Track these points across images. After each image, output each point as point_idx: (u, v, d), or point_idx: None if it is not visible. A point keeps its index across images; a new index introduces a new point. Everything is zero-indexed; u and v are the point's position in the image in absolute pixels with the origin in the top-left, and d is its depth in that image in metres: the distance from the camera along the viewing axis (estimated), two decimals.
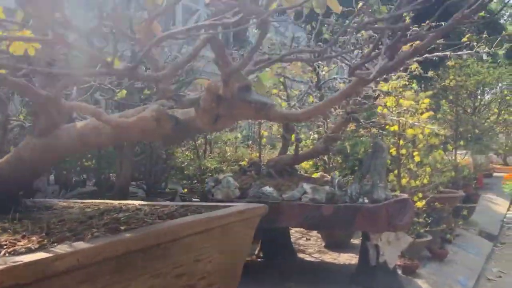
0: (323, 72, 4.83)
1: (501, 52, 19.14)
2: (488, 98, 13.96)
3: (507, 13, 51.22)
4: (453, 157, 7.61)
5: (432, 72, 4.45)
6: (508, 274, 5.26)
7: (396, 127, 4.97)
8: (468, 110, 13.91)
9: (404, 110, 4.81)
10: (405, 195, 4.30)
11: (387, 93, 5.29)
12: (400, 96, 5.06)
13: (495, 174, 14.12)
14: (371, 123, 4.42)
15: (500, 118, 11.58)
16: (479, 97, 13.13)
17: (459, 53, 4.17)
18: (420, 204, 4.78)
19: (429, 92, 5.57)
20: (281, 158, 4.68)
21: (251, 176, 4.54)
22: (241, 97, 1.50)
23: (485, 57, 16.30)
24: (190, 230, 1.56)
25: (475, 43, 3.98)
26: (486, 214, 8.07)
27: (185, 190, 6.34)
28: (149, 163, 6.63)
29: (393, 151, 5.17)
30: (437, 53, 4.22)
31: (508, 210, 9.11)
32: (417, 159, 5.04)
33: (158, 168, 6.61)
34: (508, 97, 11.78)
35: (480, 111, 13.41)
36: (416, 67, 4.29)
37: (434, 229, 5.36)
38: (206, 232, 1.61)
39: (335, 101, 1.65)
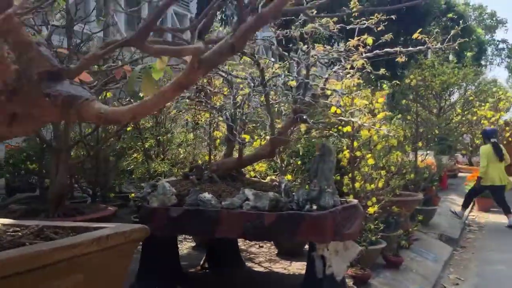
0: (274, 70, 4.53)
1: (469, 54, 19.30)
2: (454, 99, 14.01)
3: (474, 15, 52.28)
4: (414, 159, 7.43)
5: (384, 70, 4.16)
6: (465, 281, 5.08)
7: (349, 128, 4.71)
8: (434, 111, 13.94)
9: (357, 110, 4.55)
10: (355, 201, 4.04)
11: (340, 92, 5.04)
12: (354, 95, 4.81)
13: (460, 174, 14.19)
14: (320, 124, 4.13)
15: (464, 118, 11.55)
16: (444, 97, 13.14)
17: (409, 49, 3.92)
18: (372, 209, 4.53)
19: (385, 92, 5.34)
20: (224, 162, 4.35)
21: (192, 181, 4.19)
22: (39, 88, 1.11)
23: (451, 57, 16.41)
24: (11, 269, 1.16)
25: (426, 39, 3.74)
26: (448, 217, 7.95)
27: (132, 195, 5.94)
28: (94, 167, 6.21)
29: (346, 153, 4.91)
30: (388, 49, 3.97)
31: (470, 211, 9.02)
32: (370, 161, 4.78)
33: (105, 172, 6.19)
34: (471, 97, 11.78)
35: (445, 111, 13.43)
36: (363, 64, 4.02)
37: (390, 235, 5.13)
38: (43, 270, 1.23)
39: (167, 94, 1.30)
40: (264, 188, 4.14)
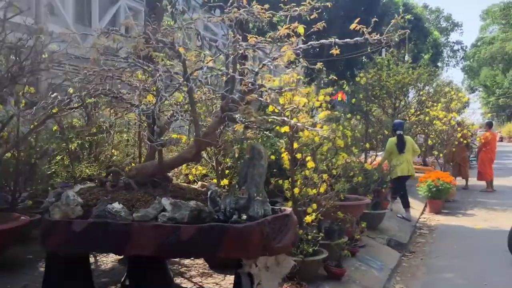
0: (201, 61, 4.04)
1: (426, 56, 19.52)
2: (409, 99, 13.97)
3: (431, 17, 53.19)
4: (364, 160, 7.14)
5: (321, 64, 3.77)
6: None
7: (286, 128, 4.31)
8: (389, 111, 13.86)
9: (295, 108, 4.15)
10: (288, 210, 3.63)
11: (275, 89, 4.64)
12: (294, 93, 4.42)
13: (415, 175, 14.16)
14: (253, 124, 3.69)
15: (416, 118, 11.46)
16: (399, 98, 13.06)
17: (346, 40, 3.54)
18: (309, 218, 4.14)
19: (329, 89, 4.97)
20: (144, 166, 3.84)
21: (106, 188, 3.66)
22: None
23: (407, 58, 16.40)
24: None
25: (364, 29, 3.36)
26: (398, 220, 7.72)
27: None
28: (14, 170, 5.54)
29: (284, 155, 4.51)
30: (323, 40, 3.57)
31: (421, 214, 8.86)
32: (310, 164, 4.40)
33: (28, 175, 5.52)
34: (424, 98, 11.72)
35: (400, 111, 13.36)
36: (296, 58, 3.62)
37: (333, 243, 4.77)
38: None
39: None
40: (189, 196, 3.67)
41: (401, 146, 7.83)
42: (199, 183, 4.39)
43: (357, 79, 9.01)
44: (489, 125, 12.66)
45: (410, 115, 12.72)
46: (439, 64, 43.28)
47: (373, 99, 13.09)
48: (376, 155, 8.62)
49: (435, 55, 36.64)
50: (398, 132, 8.04)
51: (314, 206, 4.38)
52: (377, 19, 3.39)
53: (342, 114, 11.11)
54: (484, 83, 56.76)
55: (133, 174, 3.79)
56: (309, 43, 3.47)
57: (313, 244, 4.18)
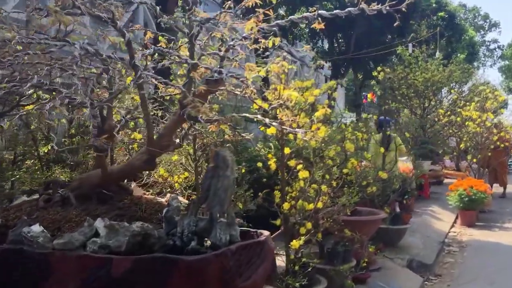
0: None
1: (461, 56, 18.27)
2: (439, 98, 12.84)
3: (468, 16, 51.32)
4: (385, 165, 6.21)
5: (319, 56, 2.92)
6: None
7: (273, 130, 3.49)
8: (418, 111, 12.75)
9: (282, 104, 3.32)
10: (264, 235, 2.81)
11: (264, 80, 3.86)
12: (284, 86, 3.61)
13: (446, 180, 12.99)
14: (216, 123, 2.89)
15: (447, 119, 10.36)
16: (428, 97, 11.98)
17: (335, 11, 2.67)
18: (296, 244, 3.30)
19: (332, 82, 4.12)
20: (89, 176, 3.11)
21: (37, 204, 2.94)
22: None
23: (437, 54, 15.23)
24: None
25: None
26: (423, 234, 6.73)
27: None
28: None
29: (272, 163, 3.69)
30: (306, 14, 2.72)
31: (451, 227, 7.83)
32: (302, 174, 3.56)
33: None
34: (455, 96, 10.61)
35: (430, 112, 12.26)
36: (273, 43, 2.80)
37: (334, 269, 3.91)
38: None
39: None
40: (141, 215, 2.91)
41: (385, 144, 6.78)
42: (168, 195, 3.63)
43: (374, 73, 8.03)
44: None
45: (440, 116, 11.61)
46: (475, 63, 41.29)
47: (400, 99, 12.05)
48: (396, 160, 7.65)
49: (470, 55, 34.83)
50: (384, 129, 7.16)
51: (309, 225, 3.53)
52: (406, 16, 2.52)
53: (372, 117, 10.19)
54: None
55: (76, 185, 3.06)
56: (275, 22, 2.62)
57: (303, 275, 3.33)
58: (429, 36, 18.97)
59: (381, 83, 8.31)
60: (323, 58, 18.83)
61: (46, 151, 5.11)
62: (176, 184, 4.61)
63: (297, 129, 2.69)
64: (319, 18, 2.48)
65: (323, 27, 2.48)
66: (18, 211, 2.87)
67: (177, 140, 3.18)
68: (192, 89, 2.86)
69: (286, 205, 3.54)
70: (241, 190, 4.53)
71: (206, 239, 2.66)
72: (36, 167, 5.07)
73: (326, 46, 20.30)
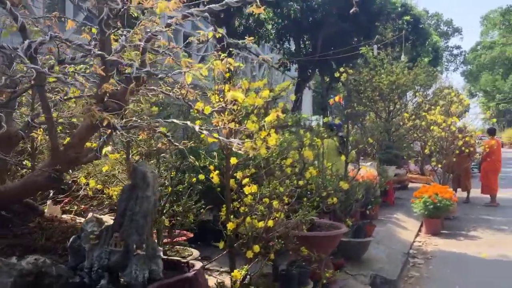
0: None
1: (426, 59, 18.23)
2: (404, 102, 12.68)
3: (431, 22, 52.71)
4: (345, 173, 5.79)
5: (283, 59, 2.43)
6: None
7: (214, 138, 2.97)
8: (383, 115, 12.53)
9: (224, 108, 2.82)
10: (195, 269, 2.29)
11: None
12: (230, 88, 3.12)
13: (411, 185, 12.82)
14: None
15: (411, 123, 10.14)
16: (395, 100, 11.77)
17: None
18: (238, 274, 2.80)
19: (286, 82, 3.65)
20: None
21: None
22: None
23: (403, 57, 15.10)
24: None
25: None
26: (387, 246, 6.38)
27: None
28: None
29: (215, 176, 3.17)
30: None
31: (416, 236, 7.52)
32: (248, 189, 3.06)
33: None
34: (420, 99, 10.40)
35: (394, 115, 12.07)
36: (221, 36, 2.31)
37: None
38: None
39: None
40: (44, 245, 2.34)
41: (343, 149, 6.37)
42: (90, 215, 3.06)
43: (336, 74, 7.66)
44: (491, 132, 11.22)
45: (405, 119, 11.41)
46: (439, 68, 42.13)
47: (365, 102, 11.79)
48: (371, 164, 7.32)
49: (434, 59, 35.44)
50: (340, 134, 6.83)
51: (257, 248, 3.04)
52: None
53: (340, 119, 9.84)
54: (484, 88, 55.70)
55: None
56: (208, 6, 2.12)
57: None
58: (394, 39, 18.96)
59: (344, 84, 7.91)
60: (289, 60, 18.54)
61: None
62: (113, 197, 4.04)
63: (232, 139, 2.18)
64: (257, 1, 1.98)
65: (263, 11, 1.99)
66: None
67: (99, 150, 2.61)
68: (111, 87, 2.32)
69: (230, 225, 3.04)
70: (192, 201, 4.03)
71: (120, 275, 2.13)
72: None
73: (293, 47, 20.02)
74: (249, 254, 3.04)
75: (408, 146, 11.84)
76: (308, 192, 4.56)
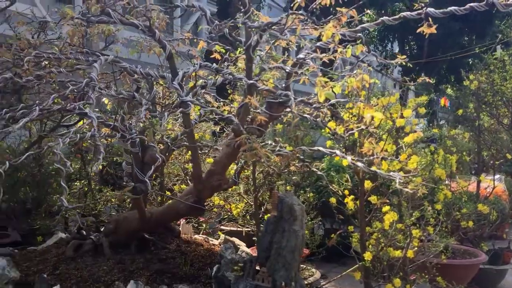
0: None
1: None
2: None
3: None
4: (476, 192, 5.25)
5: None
6: None
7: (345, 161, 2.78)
8: (505, 121, 11.32)
9: (362, 129, 2.61)
10: None
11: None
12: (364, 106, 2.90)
13: None
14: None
15: None
16: None
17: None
18: None
19: (423, 98, 3.34)
20: (126, 219, 2.57)
21: (66, 252, 2.45)
22: None
23: None
24: None
25: None
26: None
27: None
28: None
29: (349, 200, 2.97)
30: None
31: None
32: (389, 217, 2.80)
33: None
34: None
35: None
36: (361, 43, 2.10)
37: None
38: None
39: None
40: (186, 271, 2.33)
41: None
42: (222, 236, 3.03)
43: (466, 83, 6.99)
44: None
45: None
46: None
47: (484, 107, 10.74)
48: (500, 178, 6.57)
49: None
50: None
51: (398, 282, 2.78)
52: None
53: (445, 124, 9.09)
54: None
55: (111, 229, 2.54)
56: (360, 26, 1.92)
57: None
58: None
59: (475, 94, 7.20)
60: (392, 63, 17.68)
61: (94, 173, 4.73)
62: (234, 212, 4.02)
63: (392, 173, 1.97)
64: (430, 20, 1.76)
65: (435, 31, 1.76)
66: (42, 262, 2.39)
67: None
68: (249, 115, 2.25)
69: (368, 255, 2.81)
70: (308, 217, 3.88)
71: None
72: (86, 189, 4.70)
73: (396, 49, 19.13)
74: (389, 287, 2.79)
75: None
76: (438, 215, 4.17)
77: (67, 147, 4.49)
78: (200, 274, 2.34)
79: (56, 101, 3.06)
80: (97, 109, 2.60)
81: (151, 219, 2.43)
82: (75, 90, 1.88)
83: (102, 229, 2.59)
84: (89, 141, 4.28)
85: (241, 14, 2.79)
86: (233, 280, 2.13)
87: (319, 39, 2.25)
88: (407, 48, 18.81)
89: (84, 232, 2.59)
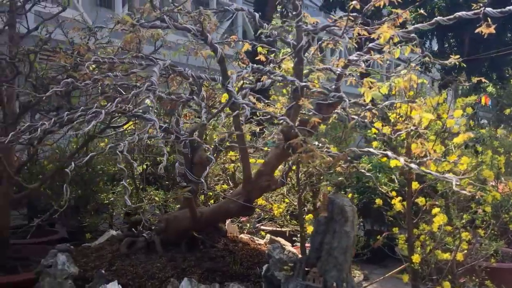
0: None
1: None
2: None
3: None
4: None
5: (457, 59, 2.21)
6: None
7: (398, 162, 2.75)
8: None
9: (412, 128, 2.59)
10: None
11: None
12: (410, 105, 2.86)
13: None
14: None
15: None
16: None
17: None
18: None
19: (472, 98, 3.26)
20: (176, 218, 2.64)
21: (120, 249, 2.54)
22: None
23: None
24: None
25: None
26: None
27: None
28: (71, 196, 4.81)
29: (397, 202, 2.94)
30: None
31: None
32: (438, 220, 2.76)
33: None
34: None
35: None
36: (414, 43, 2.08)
37: None
38: None
39: None
40: (236, 270, 2.38)
41: None
42: (267, 237, 3.06)
43: None
44: None
45: None
46: None
47: None
48: None
49: None
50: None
51: (447, 285, 2.73)
52: None
53: (487, 123, 8.80)
54: None
55: (162, 228, 2.61)
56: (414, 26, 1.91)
57: None
58: None
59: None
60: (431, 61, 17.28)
61: (140, 171, 4.86)
62: (276, 212, 4.05)
63: (446, 175, 1.94)
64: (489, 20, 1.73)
65: (494, 31, 1.73)
66: (99, 258, 2.49)
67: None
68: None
69: (416, 258, 2.78)
70: None
71: None
72: (131, 188, 4.83)
73: (435, 47, 18.66)
74: None
75: None
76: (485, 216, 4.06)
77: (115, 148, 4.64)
78: (250, 273, 2.38)
79: (103, 103, 3.18)
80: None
81: (201, 218, 2.49)
82: (136, 94, 1.97)
83: (153, 227, 2.67)
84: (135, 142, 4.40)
85: (278, 15, 2.83)
86: (283, 280, 2.16)
87: (368, 40, 2.25)
88: (447, 45, 18.32)
89: (135, 230, 2.68)
